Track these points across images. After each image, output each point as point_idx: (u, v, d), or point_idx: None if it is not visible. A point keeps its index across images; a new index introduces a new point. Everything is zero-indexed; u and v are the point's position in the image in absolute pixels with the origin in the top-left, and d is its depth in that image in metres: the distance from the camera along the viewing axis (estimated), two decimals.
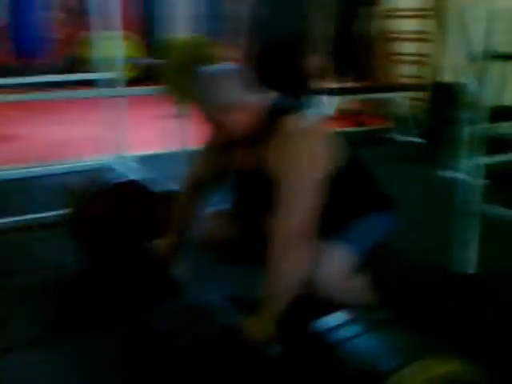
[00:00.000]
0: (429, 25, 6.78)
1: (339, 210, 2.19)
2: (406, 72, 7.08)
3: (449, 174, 4.33)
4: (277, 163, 2.07)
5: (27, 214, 3.63)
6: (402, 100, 6.36)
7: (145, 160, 4.64)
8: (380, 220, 2.31)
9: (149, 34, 9.72)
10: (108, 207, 2.83)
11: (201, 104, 2.12)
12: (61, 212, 3.35)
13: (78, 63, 8.56)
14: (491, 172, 3.01)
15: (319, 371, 1.58)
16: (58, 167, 4.68)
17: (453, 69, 6.22)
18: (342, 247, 2.14)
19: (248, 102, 2.10)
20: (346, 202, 2.23)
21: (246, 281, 2.41)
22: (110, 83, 4.57)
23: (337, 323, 1.70)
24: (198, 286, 2.59)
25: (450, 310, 2.61)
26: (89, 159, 4.78)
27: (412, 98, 6.60)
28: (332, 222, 2.13)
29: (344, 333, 1.63)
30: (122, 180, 2.98)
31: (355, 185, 2.28)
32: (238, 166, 2.29)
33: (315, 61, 3.83)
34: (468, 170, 3.09)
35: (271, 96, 2.21)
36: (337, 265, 2.10)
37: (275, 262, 1.97)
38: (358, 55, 6.73)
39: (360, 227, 2.23)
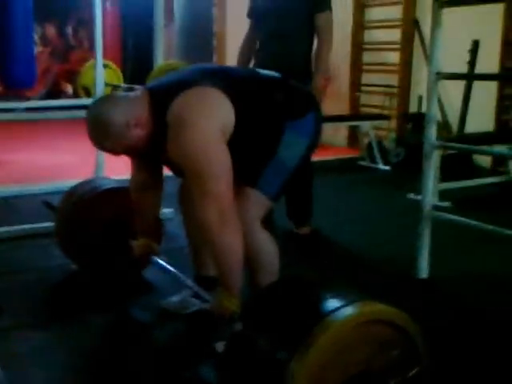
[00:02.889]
0: (396, 56, 7.05)
1: (249, 158, 2.29)
2: (374, 102, 7.36)
3: (414, 197, 4.60)
4: (176, 159, 2.10)
5: (12, 225, 3.84)
6: (369, 129, 6.62)
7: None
8: (292, 141, 2.32)
9: (127, 62, 9.98)
10: (94, 212, 3.01)
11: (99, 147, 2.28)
12: (44, 225, 3.62)
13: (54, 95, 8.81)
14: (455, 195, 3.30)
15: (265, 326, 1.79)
16: (41, 187, 4.86)
17: (419, 99, 6.56)
18: (256, 194, 2.28)
19: (134, 117, 2.15)
20: (253, 147, 2.30)
21: None
22: None
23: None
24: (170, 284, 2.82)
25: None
26: (70, 181, 4.97)
27: (380, 128, 6.90)
28: (244, 170, 2.24)
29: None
30: (106, 186, 3.14)
31: (256, 126, 2.28)
32: (165, 161, 2.40)
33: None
34: (433, 194, 3.35)
35: (146, 95, 2.22)
36: (252, 213, 2.26)
37: (214, 242, 2.05)
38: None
39: (272, 167, 2.29)
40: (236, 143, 2.16)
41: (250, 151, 2.31)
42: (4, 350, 2.38)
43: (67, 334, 2.59)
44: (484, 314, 2.86)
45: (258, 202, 2.31)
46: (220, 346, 2.21)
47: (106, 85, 4.68)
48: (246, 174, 2.29)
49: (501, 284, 3.19)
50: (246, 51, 3.98)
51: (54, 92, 9.25)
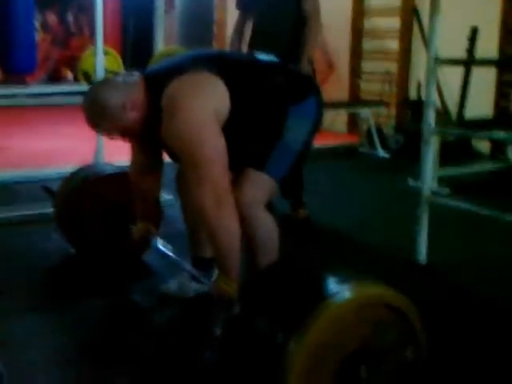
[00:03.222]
0: (395, 44, 7.06)
1: (255, 142, 2.32)
2: (373, 89, 7.35)
3: (413, 183, 4.63)
4: (170, 143, 2.14)
5: (11, 210, 3.88)
6: (369, 116, 6.63)
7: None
8: (296, 125, 2.34)
9: (126, 48, 9.96)
10: (93, 197, 3.03)
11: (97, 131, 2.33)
12: (43, 210, 3.64)
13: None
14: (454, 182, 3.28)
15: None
16: (40, 173, 4.89)
17: (418, 86, 6.56)
18: (263, 177, 2.30)
19: (130, 100, 2.19)
20: (258, 131, 2.32)
21: None
22: None
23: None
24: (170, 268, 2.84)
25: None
26: (69, 167, 4.98)
27: (379, 114, 6.91)
28: (251, 153, 2.29)
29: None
30: (107, 172, 3.18)
31: (255, 111, 2.30)
32: (161, 146, 2.38)
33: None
34: (432, 179, 3.37)
35: (142, 80, 2.25)
36: (258, 195, 2.29)
37: (211, 226, 2.07)
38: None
39: (279, 150, 2.32)
40: (237, 127, 2.19)
41: (256, 135, 2.33)
42: (2, 332, 2.41)
43: (66, 317, 2.61)
44: (482, 297, 2.89)
45: (264, 185, 2.33)
46: (219, 330, 2.23)
47: (106, 71, 4.68)
48: (252, 158, 2.32)
49: (498, 268, 3.21)
50: (236, 44, 3.99)
51: (55, 78, 9.24)
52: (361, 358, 1.67)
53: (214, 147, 2.08)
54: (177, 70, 2.21)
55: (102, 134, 2.35)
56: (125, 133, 2.29)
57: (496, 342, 2.47)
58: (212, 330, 2.28)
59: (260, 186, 2.32)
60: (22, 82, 8.38)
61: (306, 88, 2.45)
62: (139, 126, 2.24)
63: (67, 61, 9.91)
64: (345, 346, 1.67)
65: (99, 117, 2.23)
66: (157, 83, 2.20)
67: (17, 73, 9.07)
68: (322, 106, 2.49)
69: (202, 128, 2.07)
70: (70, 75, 9.68)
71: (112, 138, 2.34)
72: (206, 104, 2.12)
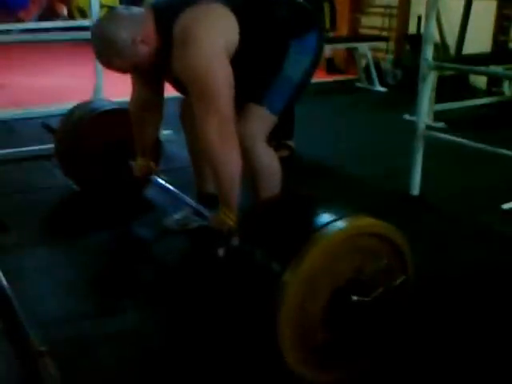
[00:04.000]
0: None
1: (256, 75, 2.33)
2: (373, 23, 7.28)
3: (410, 118, 4.63)
4: (180, 75, 2.14)
5: (12, 148, 3.91)
6: (367, 51, 6.57)
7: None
8: (296, 59, 2.36)
9: None
10: (93, 133, 3.05)
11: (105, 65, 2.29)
12: (44, 147, 3.69)
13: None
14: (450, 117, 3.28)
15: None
16: (40, 110, 4.91)
17: (418, 20, 6.50)
18: (262, 110, 2.33)
19: (140, 34, 2.17)
20: (259, 64, 2.33)
21: None
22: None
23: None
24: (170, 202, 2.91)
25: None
26: (69, 104, 4.99)
27: (378, 49, 6.87)
28: (251, 87, 2.31)
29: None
30: (106, 108, 3.18)
31: (259, 45, 2.31)
32: (168, 79, 2.44)
33: None
34: (427, 114, 3.39)
35: (150, 12, 2.23)
36: (258, 128, 2.33)
37: (213, 158, 2.11)
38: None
39: (278, 83, 2.34)
40: (242, 61, 2.20)
41: (257, 68, 2.35)
42: (10, 266, 2.44)
43: (71, 251, 2.69)
44: (474, 227, 2.99)
45: (263, 118, 2.37)
46: (221, 251, 2.28)
47: (102, 6, 4.63)
48: (252, 91, 2.35)
49: (491, 199, 3.29)
50: None
51: (49, 14, 9.10)
52: (353, 285, 1.75)
53: (222, 79, 2.09)
54: (186, 1, 2.19)
55: (114, 70, 2.31)
56: (135, 67, 2.28)
57: (483, 266, 2.59)
58: (214, 253, 2.36)
59: (260, 119, 2.36)
60: (17, 19, 8.30)
61: (309, 22, 2.43)
62: (149, 60, 2.24)
63: None
64: (337, 275, 1.74)
65: (110, 53, 2.21)
66: (166, 15, 2.18)
67: (9, 8, 8.99)
68: (323, 39, 2.51)
69: (212, 60, 2.08)
70: (64, 10, 9.54)
71: (123, 73, 2.34)
72: (218, 36, 2.13)
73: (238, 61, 2.18)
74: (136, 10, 2.26)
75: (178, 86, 2.38)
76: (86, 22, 4.81)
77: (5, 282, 1.90)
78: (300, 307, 1.69)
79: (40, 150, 3.82)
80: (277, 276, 1.67)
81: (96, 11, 4.11)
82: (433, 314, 2.20)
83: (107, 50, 2.22)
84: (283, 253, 1.73)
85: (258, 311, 1.76)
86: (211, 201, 2.65)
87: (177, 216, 2.84)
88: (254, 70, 2.34)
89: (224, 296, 1.94)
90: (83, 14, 8.24)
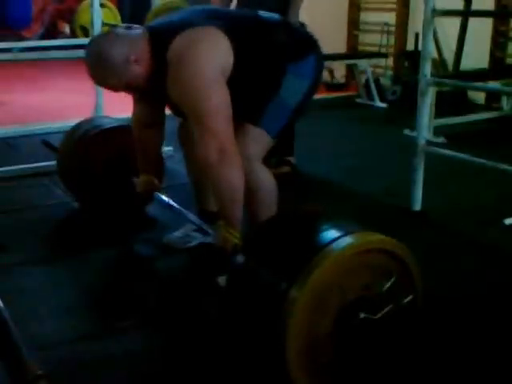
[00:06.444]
0: None
1: (252, 97, 2.33)
2: (371, 40, 7.34)
3: (410, 133, 4.66)
4: (176, 97, 2.15)
5: (12, 165, 3.88)
6: (366, 67, 6.59)
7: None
8: (293, 83, 2.36)
9: (124, 1, 9.85)
10: (96, 150, 3.05)
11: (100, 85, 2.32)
12: (44, 164, 3.68)
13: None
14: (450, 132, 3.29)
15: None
16: (40, 127, 4.90)
17: (415, 37, 6.54)
18: (258, 132, 2.33)
19: (134, 53, 2.17)
20: (255, 87, 2.33)
21: None
22: None
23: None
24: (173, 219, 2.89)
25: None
26: (69, 121, 5.00)
27: (377, 66, 6.91)
28: (247, 108, 2.30)
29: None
30: (109, 125, 3.18)
31: (256, 68, 2.30)
32: (166, 102, 2.43)
33: None
34: (427, 129, 3.39)
35: (146, 33, 2.23)
36: (254, 150, 2.32)
37: (214, 177, 2.11)
38: None
39: (275, 106, 2.34)
40: (238, 83, 2.20)
41: (253, 91, 2.35)
42: (8, 286, 2.44)
43: (71, 269, 2.67)
44: (475, 243, 2.98)
45: (259, 140, 2.36)
46: (222, 280, 2.25)
47: (104, 24, 4.67)
48: (248, 113, 2.34)
49: (493, 215, 3.27)
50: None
51: (52, 32, 9.15)
52: (360, 304, 1.73)
53: (219, 101, 2.09)
54: (182, 24, 2.20)
55: (107, 88, 2.34)
56: (129, 87, 2.29)
57: (485, 281, 2.58)
58: (216, 282, 2.35)
59: (257, 140, 2.35)
60: (19, 37, 8.33)
61: (306, 46, 2.44)
62: (143, 80, 2.24)
63: (64, 14, 9.77)
64: (345, 293, 1.72)
65: (103, 72, 2.22)
66: (162, 37, 2.19)
67: (12, 27, 9.03)
68: (322, 63, 2.50)
69: (207, 82, 2.09)
70: (66, 28, 9.59)
71: (117, 92, 2.34)
72: (213, 59, 2.13)
73: (233, 84, 2.18)
74: (134, 30, 2.27)
75: (174, 108, 2.38)
76: (87, 40, 4.82)
77: (1, 304, 1.87)
78: (307, 323, 1.67)
79: (39, 167, 3.82)
80: (284, 291, 1.66)
81: (98, 29, 4.14)
82: (435, 331, 2.17)
83: (99, 68, 2.22)
84: (291, 268, 1.72)
85: (265, 326, 1.74)
86: (213, 218, 2.63)
87: (177, 233, 2.84)
88: (250, 94, 2.34)
89: (229, 313, 1.92)
90: (86, 33, 8.27)
